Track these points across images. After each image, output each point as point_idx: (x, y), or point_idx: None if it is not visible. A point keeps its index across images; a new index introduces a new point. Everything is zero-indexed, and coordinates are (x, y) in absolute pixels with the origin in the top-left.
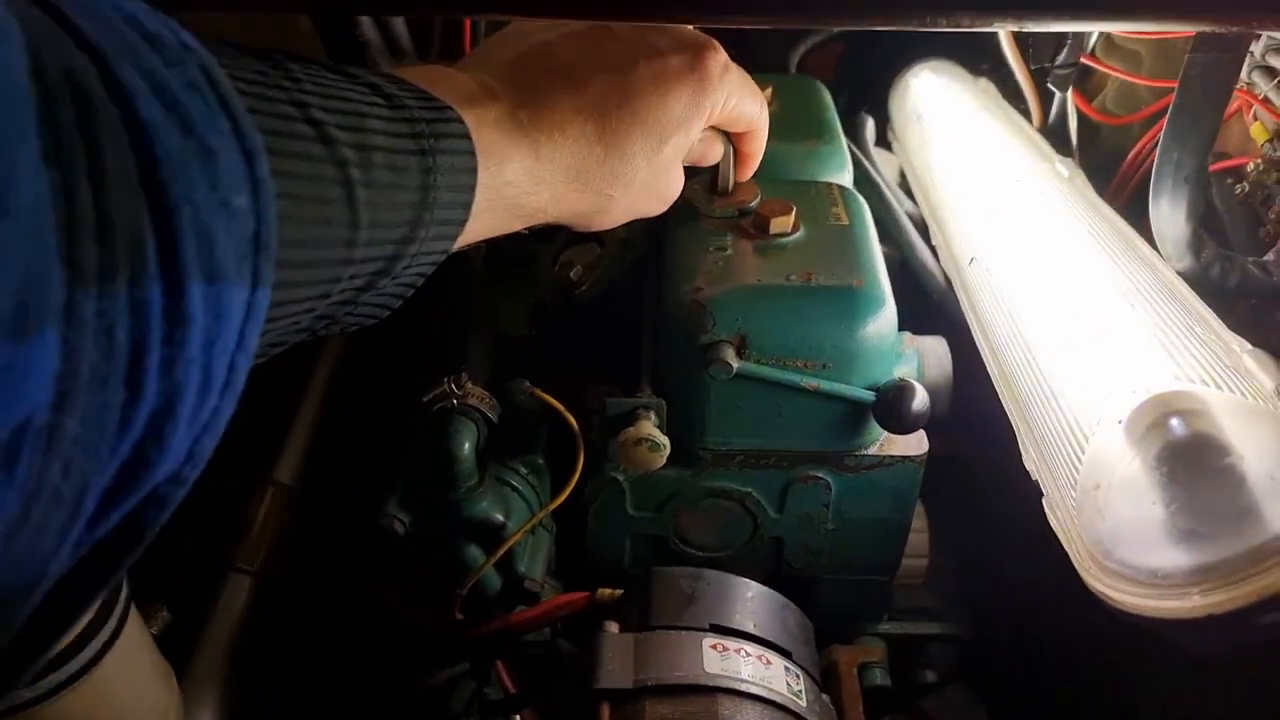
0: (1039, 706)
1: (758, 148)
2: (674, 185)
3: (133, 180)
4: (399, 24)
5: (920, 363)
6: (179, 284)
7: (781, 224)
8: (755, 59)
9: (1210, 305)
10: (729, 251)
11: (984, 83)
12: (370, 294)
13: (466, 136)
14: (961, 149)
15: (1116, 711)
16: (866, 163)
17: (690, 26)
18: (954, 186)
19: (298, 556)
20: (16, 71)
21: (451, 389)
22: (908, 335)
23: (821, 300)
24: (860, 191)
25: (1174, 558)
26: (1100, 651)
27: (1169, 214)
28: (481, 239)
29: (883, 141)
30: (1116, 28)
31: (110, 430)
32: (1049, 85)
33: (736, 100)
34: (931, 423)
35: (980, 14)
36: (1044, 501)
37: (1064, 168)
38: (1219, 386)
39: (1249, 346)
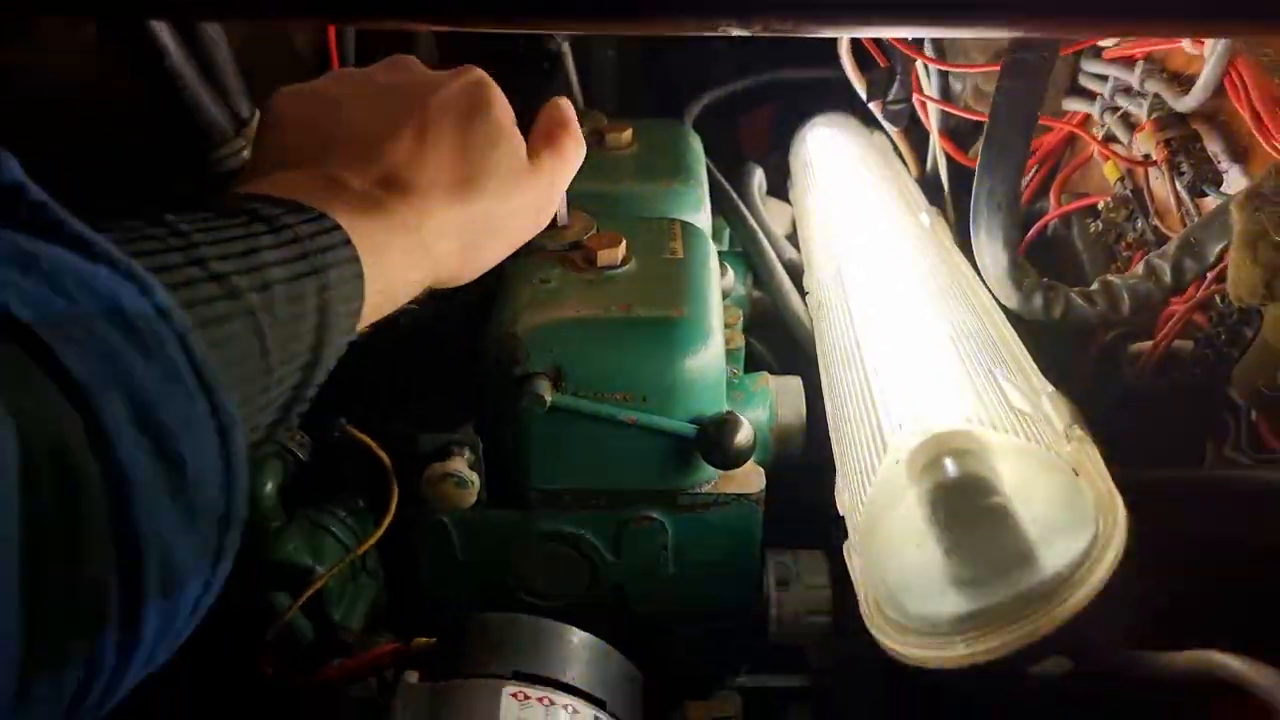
0: None
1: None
2: (533, 198)
3: (106, 536)
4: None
5: (773, 401)
6: (136, 619)
7: (609, 256)
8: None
9: (1037, 339)
10: (553, 284)
11: (878, 136)
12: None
13: (347, 242)
14: (833, 197)
15: None
16: (745, 209)
17: None
18: (820, 232)
19: None
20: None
21: None
22: (764, 375)
23: (638, 331)
24: (739, 239)
25: (946, 605)
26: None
27: (987, 244)
28: (369, 323)
29: (784, 192)
30: (892, 32)
31: None
32: (884, 121)
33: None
34: (788, 463)
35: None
36: (844, 547)
37: (927, 217)
38: (1001, 429)
39: (1050, 389)
